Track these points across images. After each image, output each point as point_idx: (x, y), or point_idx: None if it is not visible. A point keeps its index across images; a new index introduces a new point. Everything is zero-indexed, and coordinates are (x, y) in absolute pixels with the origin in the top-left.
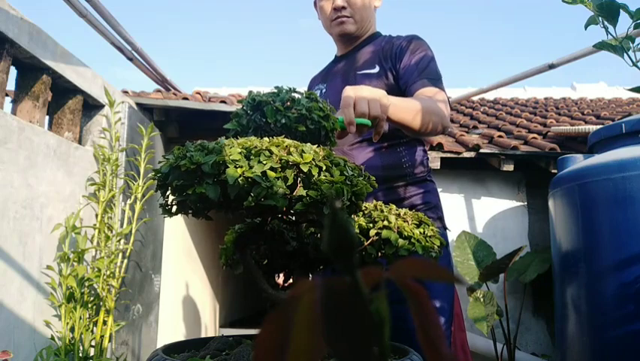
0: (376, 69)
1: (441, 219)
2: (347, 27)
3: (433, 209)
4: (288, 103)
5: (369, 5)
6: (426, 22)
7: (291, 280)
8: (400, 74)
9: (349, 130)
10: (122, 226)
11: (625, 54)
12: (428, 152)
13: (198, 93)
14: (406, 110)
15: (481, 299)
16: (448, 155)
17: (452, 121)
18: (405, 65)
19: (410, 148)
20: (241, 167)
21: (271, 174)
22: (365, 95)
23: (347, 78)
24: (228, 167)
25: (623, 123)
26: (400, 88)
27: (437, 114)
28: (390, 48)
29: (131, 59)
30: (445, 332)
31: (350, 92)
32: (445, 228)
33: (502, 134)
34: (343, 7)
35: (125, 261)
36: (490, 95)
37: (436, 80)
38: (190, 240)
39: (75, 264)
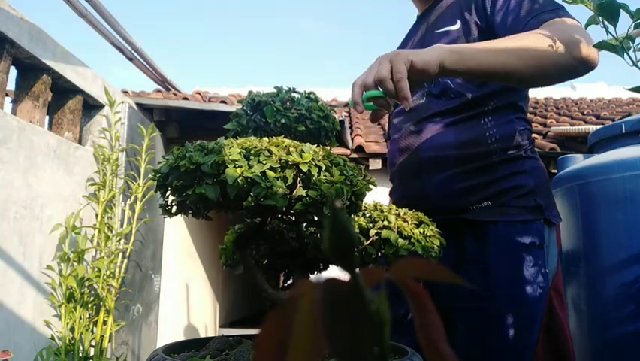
0: (457, 25)
1: (539, 208)
2: None
3: (526, 196)
4: (288, 103)
5: None
6: None
7: (290, 280)
8: (497, 24)
9: (356, 110)
10: (122, 226)
11: (625, 54)
12: None
13: (198, 93)
14: (491, 54)
15: None
16: None
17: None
18: (502, 12)
19: (499, 117)
20: (240, 167)
21: (271, 174)
22: (379, 59)
23: (424, 39)
24: (228, 167)
25: (623, 123)
26: None
27: (560, 43)
28: None
29: (131, 59)
30: (536, 314)
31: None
32: (547, 221)
33: None
34: None
35: (125, 261)
36: None
37: (556, 10)
38: (190, 240)
39: (75, 264)
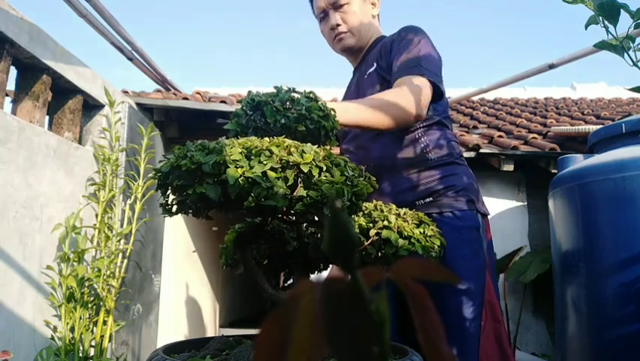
0: (374, 66)
1: (472, 202)
2: (346, 42)
3: (461, 192)
4: (288, 103)
5: (366, 14)
6: (425, 23)
7: (290, 280)
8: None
9: None
10: (122, 226)
11: (625, 54)
12: None
13: (198, 93)
14: (355, 112)
15: None
16: None
17: (452, 121)
18: (393, 61)
19: (431, 133)
20: (241, 167)
21: (271, 174)
22: None
23: (359, 83)
24: (229, 167)
25: (623, 123)
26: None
27: (398, 107)
28: (385, 43)
29: (131, 59)
30: (473, 320)
31: None
32: (478, 211)
33: (502, 134)
34: (338, 25)
35: (125, 261)
36: (490, 95)
37: (413, 67)
38: (190, 240)
39: (75, 264)
